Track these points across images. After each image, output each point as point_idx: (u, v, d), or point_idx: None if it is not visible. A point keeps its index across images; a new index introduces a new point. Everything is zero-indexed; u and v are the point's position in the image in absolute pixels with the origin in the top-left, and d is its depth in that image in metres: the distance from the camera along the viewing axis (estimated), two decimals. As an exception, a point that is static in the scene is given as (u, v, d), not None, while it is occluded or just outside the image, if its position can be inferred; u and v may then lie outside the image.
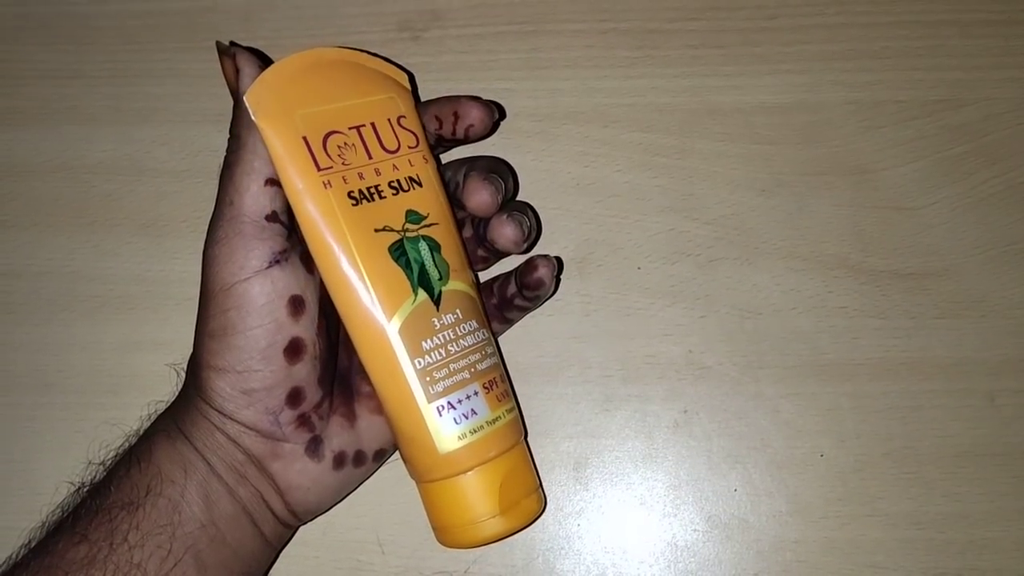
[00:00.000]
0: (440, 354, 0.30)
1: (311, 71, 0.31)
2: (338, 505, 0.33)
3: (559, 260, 0.37)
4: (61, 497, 0.32)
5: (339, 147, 0.30)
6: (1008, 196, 0.37)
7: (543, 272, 0.33)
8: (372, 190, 0.30)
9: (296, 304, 0.30)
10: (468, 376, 0.31)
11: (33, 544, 0.31)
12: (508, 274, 0.34)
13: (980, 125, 0.37)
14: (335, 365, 0.32)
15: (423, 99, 0.34)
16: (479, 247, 0.34)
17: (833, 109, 0.38)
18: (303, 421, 0.31)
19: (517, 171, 0.37)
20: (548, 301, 0.37)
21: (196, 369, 0.31)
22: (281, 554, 0.34)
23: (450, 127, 0.33)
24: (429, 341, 0.30)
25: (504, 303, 0.34)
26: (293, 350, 0.30)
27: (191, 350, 0.31)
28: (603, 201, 0.38)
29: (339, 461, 0.32)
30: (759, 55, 0.38)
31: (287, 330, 0.30)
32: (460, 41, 0.39)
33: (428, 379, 0.30)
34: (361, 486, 0.34)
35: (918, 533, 0.35)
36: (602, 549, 0.36)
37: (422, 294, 0.30)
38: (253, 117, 0.30)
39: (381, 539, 0.36)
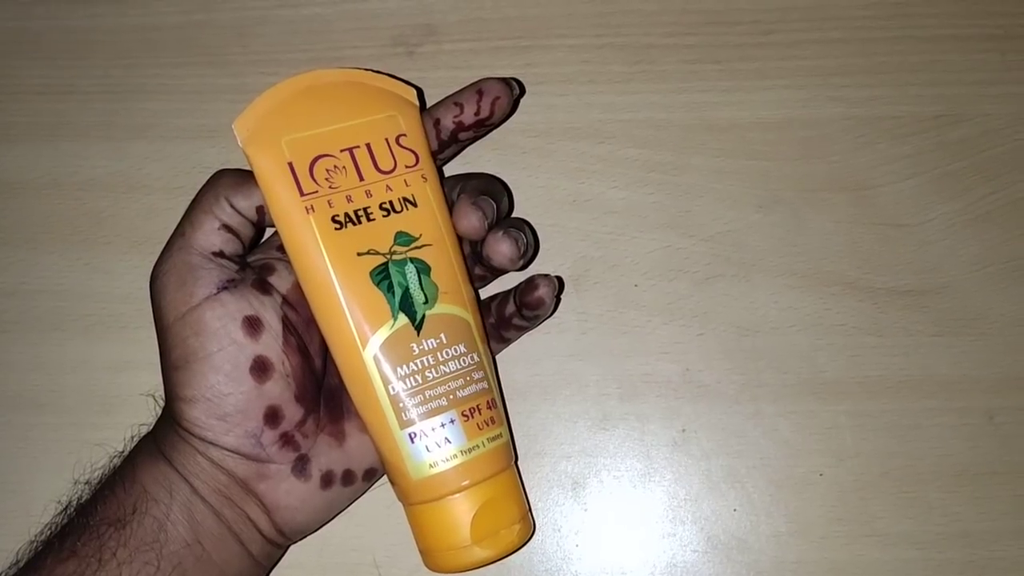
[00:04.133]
0: (415, 380, 0.30)
1: (306, 94, 0.31)
2: (334, 526, 0.33)
3: (560, 279, 0.36)
4: (51, 517, 0.32)
5: (327, 171, 0.30)
6: (1007, 212, 0.37)
7: (543, 291, 0.32)
8: (360, 213, 0.30)
9: (252, 324, 0.30)
10: (446, 403, 0.30)
11: (21, 563, 0.30)
12: (507, 293, 0.34)
13: (978, 141, 0.37)
14: (316, 382, 0.32)
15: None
16: (476, 265, 0.34)
17: (830, 125, 0.38)
18: (287, 440, 0.31)
19: (513, 187, 0.37)
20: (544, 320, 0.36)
21: (169, 402, 0.31)
22: (276, 576, 0.33)
23: (474, 107, 0.32)
24: (405, 367, 0.30)
25: (502, 322, 0.34)
26: (259, 369, 0.30)
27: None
28: (599, 218, 0.37)
29: (327, 480, 0.32)
30: (756, 71, 0.38)
31: (248, 350, 0.30)
32: (455, 56, 0.39)
33: (400, 406, 0.30)
34: (357, 506, 0.33)
35: (917, 553, 0.35)
36: (600, 569, 0.35)
37: (402, 318, 0.30)
38: (240, 144, 0.30)
39: (378, 560, 0.36)
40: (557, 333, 0.37)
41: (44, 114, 0.39)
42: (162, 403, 0.32)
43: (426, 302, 0.31)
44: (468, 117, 0.32)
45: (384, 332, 0.30)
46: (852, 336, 0.36)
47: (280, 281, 0.32)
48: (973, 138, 0.37)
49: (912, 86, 0.38)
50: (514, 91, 0.33)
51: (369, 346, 0.30)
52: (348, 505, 0.33)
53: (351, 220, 0.30)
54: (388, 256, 0.31)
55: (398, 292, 0.30)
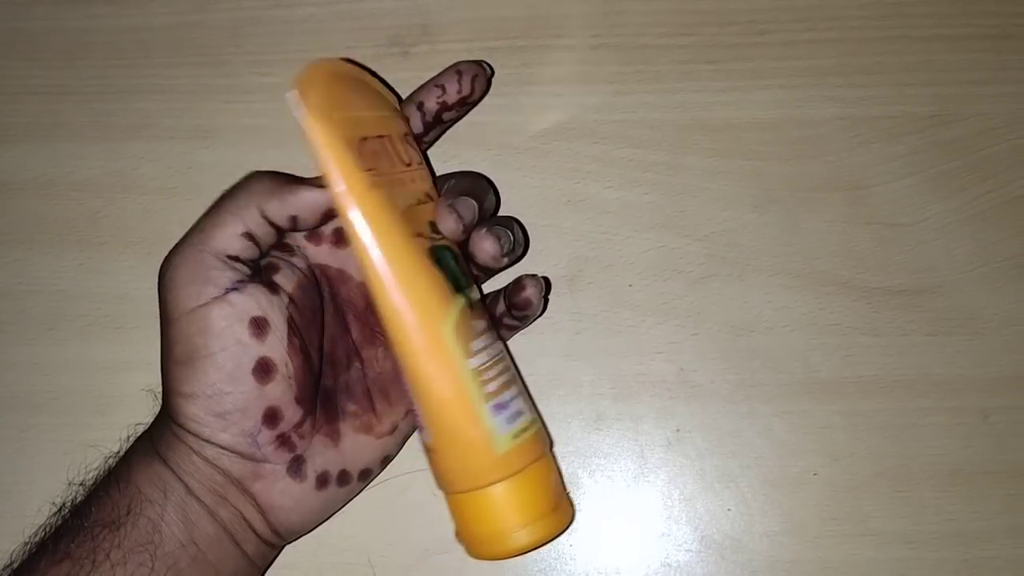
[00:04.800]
0: (486, 355, 0.31)
1: (334, 79, 0.30)
2: (329, 526, 0.33)
3: (547, 280, 0.37)
4: (46, 518, 0.32)
5: (372, 152, 0.30)
6: (1001, 212, 0.37)
7: (530, 292, 0.32)
8: (403, 197, 0.31)
9: (259, 325, 0.30)
10: (508, 378, 0.31)
11: (15, 565, 0.30)
12: (497, 292, 0.34)
13: (973, 140, 0.37)
14: (316, 383, 0.32)
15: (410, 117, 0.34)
16: (468, 263, 0.34)
17: (825, 125, 0.37)
18: (283, 441, 0.31)
19: (507, 187, 0.37)
20: (539, 319, 0.36)
21: (167, 397, 0.31)
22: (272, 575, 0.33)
23: (455, 86, 0.33)
24: (476, 343, 0.30)
25: (493, 322, 0.34)
26: (262, 370, 0.30)
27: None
28: (594, 218, 0.37)
29: (322, 481, 0.32)
30: (750, 71, 0.38)
31: (253, 351, 0.30)
32: (450, 56, 0.38)
33: (481, 379, 0.30)
34: (351, 506, 0.33)
35: (911, 552, 0.35)
36: (595, 569, 0.36)
37: (461, 298, 0.31)
38: (301, 109, 0.28)
39: (372, 560, 0.36)
40: (551, 333, 0.37)
41: (39, 114, 0.39)
42: (161, 399, 0.32)
43: (467, 287, 0.31)
44: (451, 96, 0.33)
45: (455, 309, 0.30)
46: (846, 336, 0.36)
47: (285, 280, 0.32)
48: (968, 138, 0.37)
49: (907, 86, 0.38)
50: (487, 70, 0.34)
51: (447, 321, 0.30)
52: (343, 506, 0.33)
53: (399, 203, 0.30)
54: (434, 240, 0.31)
55: (450, 274, 0.31)
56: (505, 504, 0.30)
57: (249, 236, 0.30)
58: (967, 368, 0.36)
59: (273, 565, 0.33)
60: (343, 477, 0.32)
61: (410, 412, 0.34)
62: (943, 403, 0.36)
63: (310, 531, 0.33)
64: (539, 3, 0.39)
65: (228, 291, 0.30)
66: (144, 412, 0.33)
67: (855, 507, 0.35)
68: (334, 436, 0.32)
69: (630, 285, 0.37)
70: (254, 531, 0.31)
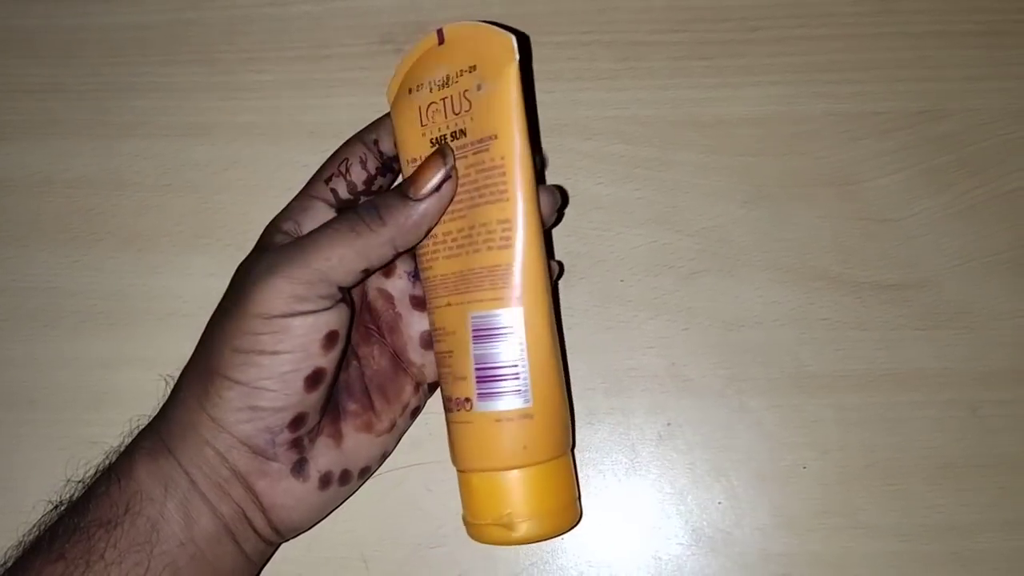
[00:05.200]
0: None
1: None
2: (322, 521, 0.33)
3: (560, 264, 0.37)
4: (41, 515, 0.32)
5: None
6: (991, 206, 0.37)
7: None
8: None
9: (331, 338, 0.30)
10: None
11: (9, 564, 0.30)
12: None
13: (963, 136, 0.37)
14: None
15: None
16: None
17: (815, 120, 0.38)
18: (295, 443, 0.31)
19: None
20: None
21: (206, 374, 0.30)
22: (265, 572, 0.34)
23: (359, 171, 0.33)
24: None
25: None
26: (314, 379, 0.30)
27: (182, 362, 0.31)
28: (585, 214, 0.37)
29: (325, 481, 0.32)
30: (742, 67, 0.38)
31: (314, 360, 0.30)
32: (443, 54, 0.39)
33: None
34: (345, 502, 0.34)
35: (903, 545, 0.35)
36: (587, 563, 0.36)
37: None
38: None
39: (365, 555, 0.36)
40: (544, 328, 0.37)
41: (35, 112, 0.39)
42: (174, 386, 0.32)
43: None
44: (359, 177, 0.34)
45: None
46: (837, 330, 0.36)
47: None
48: (958, 133, 0.37)
49: (897, 82, 0.38)
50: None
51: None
52: (342, 503, 0.33)
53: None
54: None
55: None
56: (570, 478, 0.32)
57: (367, 272, 0.31)
58: (957, 362, 0.36)
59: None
60: (344, 476, 0.32)
61: (407, 408, 0.34)
62: (933, 397, 0.36)
63: (309, 529, 0.33)
64: (532, 0, 0.39)
65: (322, 310, 0.30)
66: (138, 408, 0.33)
67: (846, 500, 0.35)
68: (336, 436, 0.32)
69: (621, 280, 0.37)
70: (254, 529, 0.31)
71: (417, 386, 0.34)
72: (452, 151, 0.31)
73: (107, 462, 0.32)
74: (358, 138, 0.33)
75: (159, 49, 0.39)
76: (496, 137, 0.30)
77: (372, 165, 0.33)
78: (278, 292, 0.29)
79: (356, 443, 0.33)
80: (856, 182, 0.37)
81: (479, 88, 0.30)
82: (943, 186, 0.37)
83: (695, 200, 0.37)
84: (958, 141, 0.37)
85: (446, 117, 0.31)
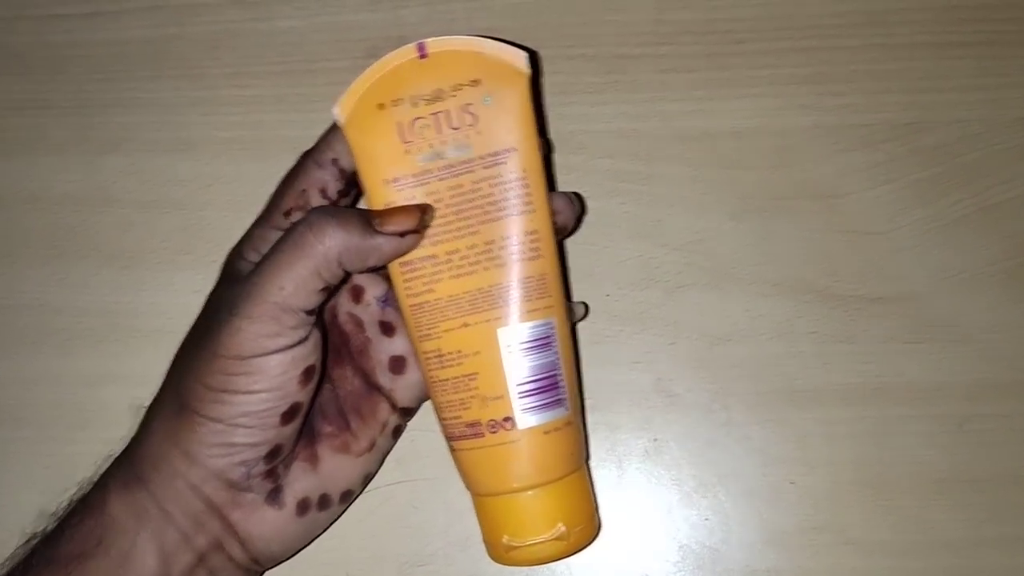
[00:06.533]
0: None
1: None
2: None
3: (586, 306, 0.36)
4: (15, 547, 0.31)
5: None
6: (979, 219, 0.37)
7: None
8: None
9: (308, 373, 0.30)
10: None
11: None
12: None
13: (949, 148, 0.37)
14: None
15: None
16: None
17: (802, 133, 0.38)
18: (270, 473, 0.30)
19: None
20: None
21: (178, 408, 0.29)
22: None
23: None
24: None
25: None
26: (290, 414, 0.30)
27: (159, 387, 0.31)
28: (571, 228, 0.37)
29: (303, 507, 0.31)
30: (727, 80, 0.38)
31: (292, 397, 0.29)
32: (428, 68, 0.39)
33: None
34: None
35: (892, 561, 0.35)
36: (573, 580, 0.36)
37: None
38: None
39: (350, 574, 0.36)
40: (530, 343, 0.37)
41: (20, 129, 0.39)
42: (143, 418, 0.32)
43: None
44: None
45: None
46: (823, 344, 0.36)
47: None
48: (945, 145, 0.37)
49: (884, 94, 0.38)
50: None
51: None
52: (325, 529, 0.33)
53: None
54: None
55: None
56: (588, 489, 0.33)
57: (327, 290, 0.29)
58: (944, 375, 0.36)
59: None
60: (324, 501, 0.32)
61: (386, 427, 0.33)
62: (921, 411, 0.36)
63: (291, 557, 0.33)
64: (516, 14, 0.39)
65: (296, 344, 0.29)
66: (126, 426, 0.33)
67: (834, 516, 0.35)
68: (312, 460, 0.32)
69: (607, 295, 0.37)
70: (232, 560, 0.31)
71: (393, 405, 0.34)
72: (433, 214, 0.30)
73: (80, 493, 0.31)
74: (313, 161, 0.32)
75: (143, 65, 0.39)
76: (516, 150, 0.30)
77: (334, 189, 0.32)
78: (245, 334, 0.28)
79: (334, 465, 0.32)
80: (843, 195, 0.37)
81: (486, 101, 0.30)
82: (931, 198, 0.37)
83: (681, 214, 0.37)
84: (945, 153, 0.37)
85: (440, 132, 0.30)
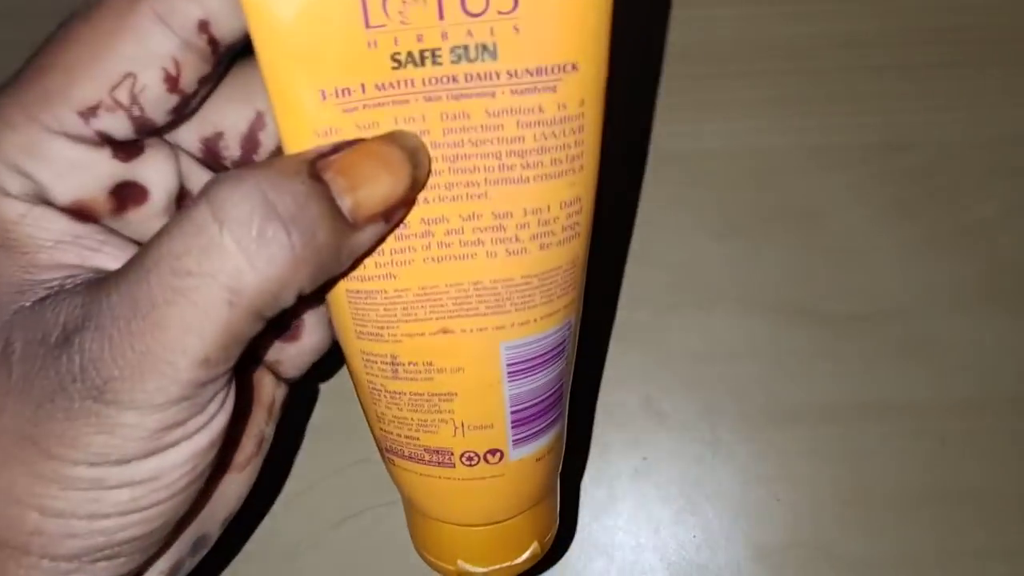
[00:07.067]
0: None
1: None
2: (296, 563, 0.33)
3: None
4: None
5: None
6: (958, 237, 0.38)
7: None
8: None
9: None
10: None
11: None
12: None
13: (928, 167, 0.38)
14: None
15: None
16: None
17: (784, 154, 0.38)
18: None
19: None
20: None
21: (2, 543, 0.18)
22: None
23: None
24: None
25: None
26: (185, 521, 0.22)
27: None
28: (559, 250, 0.38)
29: (175, 571, 0.22)
30: (709, 102, 0.38)
31: (193, 498, 0.21)
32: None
33: None
34: (319, 542, 0.33)
35: None
36: (564, 598, 0.36)
37: None
38: None
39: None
40: (518, 364, 0.37)
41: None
42: None
43: None
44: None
45: None
46: (808, 362, 0.37)
47: None
48: (923, 165, 0.38)
49: (863, 114, 0.38)
50: None
51: None
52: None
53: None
54: None
55: None
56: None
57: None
58: (926, 392, 0.36)
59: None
60: (199, 545, 0.23)
61: (285, 402, 0.26)
62: (903, 427, 0.36)
63: None
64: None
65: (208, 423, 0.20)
66: None
67: (819, 533, 0.36)
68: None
69: (595, 316, 0.37)
70: None
71: (279, 376, 0.25)
72: (428, 163, 0.19)
73: None
74: (154, 15, 0.17)
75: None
76: (576, 68, 0.19)
77: (191, 76, 0.18)
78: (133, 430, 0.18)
79: (212, 498, 0.23)
80: (824, 214, 0.38)
81: None
82: (910, 217, 0.38)
83: (666, 234, 0.38)
84: (924, 172, 0.38)
85: (441, 16, 0.18)
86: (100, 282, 0.17)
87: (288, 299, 0.18)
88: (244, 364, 0.19)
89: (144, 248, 0.17)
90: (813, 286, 0.37)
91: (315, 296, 0.19)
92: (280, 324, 0.23)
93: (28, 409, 0.17)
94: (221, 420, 0.19)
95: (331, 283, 0.20)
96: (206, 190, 0.17)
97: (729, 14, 0.39)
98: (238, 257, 0.16)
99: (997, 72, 0.38)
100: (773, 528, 0.36)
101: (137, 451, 0.17)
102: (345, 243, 0.18)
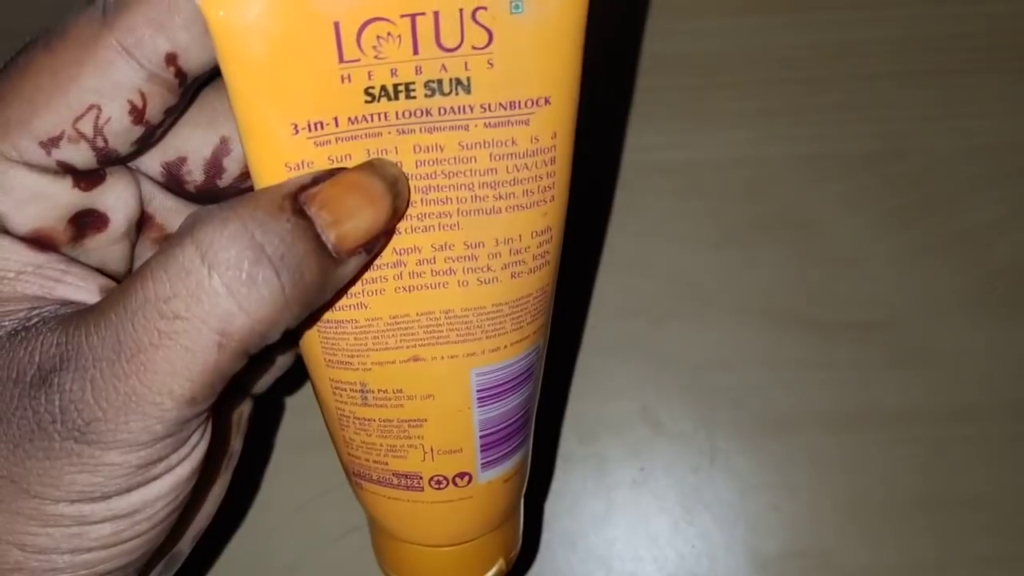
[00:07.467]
0: None
1: None
2: None
3: None
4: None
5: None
6: (951, 245, 0.38)
7: None
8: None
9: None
10: None
11: None
12: None
13: (921, 175, 0.38)
14: None
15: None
16: None
17: (777, 164, 0.38)
18: None
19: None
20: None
21: None
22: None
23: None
24: None
25: None
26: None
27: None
28: (555, 261, 0.38)
29: None
30: (703, 112, 0.39)
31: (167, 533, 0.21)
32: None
33: None
34: (321, 557, 0.33)
35: (874, 583, 0.36)
36: (563, 610, 0.36)
37: None
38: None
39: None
40: (516, 376, 0.37)
41: None
42: None
43: None
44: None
45: None
46: (803, 371, 0.37)
47: None
48: (916, 173, 0.38)
49: (856, 123, 0.39)
50: None
51: None
52: None
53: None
54: None
55: None
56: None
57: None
58: (921, 399, 0.37)
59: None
60: (172, 561, 0.23)
61: (241, 420, 0.26)
62: (899, 435, 0.36)
63: None
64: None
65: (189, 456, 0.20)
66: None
67: (818, 541, 0.36)
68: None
69: (592, 326, 0.37)
70: None
71: (245, 392, 0.25)
72: (407, 191, 0.19)
73: None
74: (119, 47, 0.16)
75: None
76: (548, 102, 0.19)
77: (157, 107, 0.17)
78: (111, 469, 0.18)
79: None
80: (819, 223, 0.38)
81: (517, 9, 0.18)
82: (904, 226, 0.38)
83: (663, 245, 0.38)
84: (917, 181, 0.38)
85: (415, 50, 0.18)
86: (75, 320, 0.17)
87: (275, 337, 0.18)
88: (225, 392, 0.19)
89: (124, 288, 0.17)
90: (808, 295, 0.37)
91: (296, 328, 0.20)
92: (264, 357, 0.23)
93: (5, 448, 0.17)
94: (202, 448, 0.19)
95: (310, 316, 0.20)
96: (191, 229, 0.16)
97: (722, 25, 0.39)
98: (228, 301, 0.16)
99: (990, 80, 0.39)
100: (772, 537, 0.36)
101: (120, 487, 0.18)
102: (330, 277, 0.18)
